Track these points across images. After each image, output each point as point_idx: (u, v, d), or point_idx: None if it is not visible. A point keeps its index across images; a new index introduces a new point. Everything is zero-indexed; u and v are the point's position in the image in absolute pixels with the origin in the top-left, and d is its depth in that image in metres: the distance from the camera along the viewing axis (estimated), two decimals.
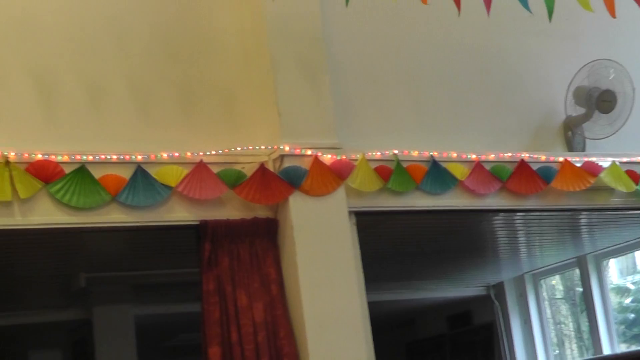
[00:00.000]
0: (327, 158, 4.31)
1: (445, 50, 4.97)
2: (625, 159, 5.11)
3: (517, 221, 5.75)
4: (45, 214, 3.86)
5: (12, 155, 3.78)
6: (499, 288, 8.03)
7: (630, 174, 5.06)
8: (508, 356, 7.88)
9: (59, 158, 3.88)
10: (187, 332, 7.26)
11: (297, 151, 4.27)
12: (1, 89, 3.98)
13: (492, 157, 4.79)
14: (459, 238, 6.02)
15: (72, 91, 4.12)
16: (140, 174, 4.02)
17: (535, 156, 4.89)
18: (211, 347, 3.97)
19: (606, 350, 7.10)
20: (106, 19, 4.26)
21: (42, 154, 3.85)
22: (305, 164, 4.26)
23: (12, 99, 4.00)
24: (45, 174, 3.84)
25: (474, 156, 4.73)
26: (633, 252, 7.30)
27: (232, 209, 4.19)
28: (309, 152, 4.29)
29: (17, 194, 3.76)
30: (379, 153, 4.51)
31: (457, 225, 5.65)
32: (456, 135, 4.84)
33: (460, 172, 4.67)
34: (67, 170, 3.88)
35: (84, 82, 4.15)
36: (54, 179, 3.85)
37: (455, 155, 4.70)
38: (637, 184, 5.06)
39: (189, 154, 4.13)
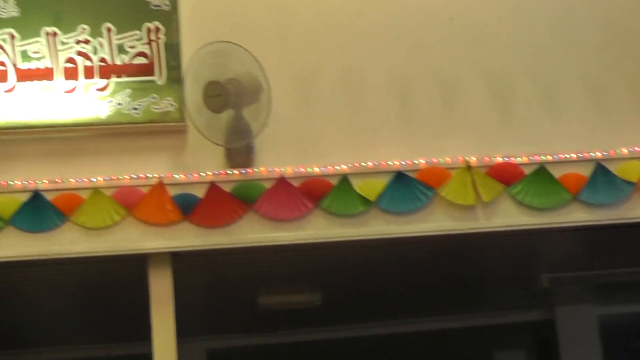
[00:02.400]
0: None
1: None
2: None
3: None
4: (508, 216, 4.18)
5: (473, 160, 4.18)
6: None
7: None
8: None
9: (518, 160, 4.19)
10: None
11: None
12: (459, 96, 4.41)
13: None
14: None
15: (526, 92, 4.39)
16: (600, 171, 4.17)
17: None
18: None
19: None
20: (555, 17, 4.46)
21: (502, 157, 4.19)
22: None
23: (469, 105, 4.40)
24: (505, 176, 4.17)
25: None
26: None
27: None
28: None
29: (481, 198, 4.18)
30: None
31: None
32: None
33: None
34: (527, 171, 4.17)
35: (537, 83, 4.41)
36: (514, 180, 4.17)
37: None
38: None
39: None
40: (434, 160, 4.16)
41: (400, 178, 4.12)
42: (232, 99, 3.98)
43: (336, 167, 4.12)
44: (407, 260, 4.90)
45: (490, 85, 4.42)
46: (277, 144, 4.18)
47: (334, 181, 4.10)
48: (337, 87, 4.35)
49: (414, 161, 4.16)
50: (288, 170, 4.08)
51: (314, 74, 4.33)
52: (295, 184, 4.08)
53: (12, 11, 4.15)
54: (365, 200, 4.09)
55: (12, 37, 4.12)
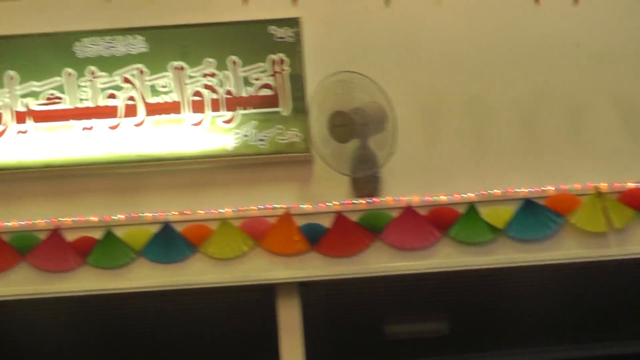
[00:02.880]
0: None
1: None
2: None
3: None
4: None
5: (603, 186, 4.18)
6: None
7: None
8: None
9: None
10: None
11: None
12: (587, 122, 4.46)
13: None
14: None
15: None
16: None
17: None
18: None
19: None
20: None
21: (634, 182, 4.19)
22: None
23: (598, 130, 4.44)
24: (637, 202, 4.18)
25: None
26: None
27: None
28: None
29: (612, 224, 4.16)
30: None
31: None
32: None
33: None
34: None
35: None
36: None
37: None
38: None
39: None
40: (563, 186, 4.20)
41: (528, 205, 4.17)
42: (358, 129, 4.14)
43: (463, 195, 4.20)
44: (537, 286, 4.93)
45: (619, 109, 4.46)
46: (403, 173, 4.31)
47: (461, 209, 4.18)
48: (462, 114, 4.46)
49: (542, 188, 4.20)
50: (414, 198, 4.18)
51: (440, 102, 4.46)
52: (422, 212, 4.17)
53: (141, 47, 4.44)
54: (493, 229, 4.15)
55: (141, 72, 4.41)
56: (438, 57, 4.55)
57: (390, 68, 4.47)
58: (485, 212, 4.18)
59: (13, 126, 4.42)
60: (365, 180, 4.26)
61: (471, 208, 4.17)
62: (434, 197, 4.21)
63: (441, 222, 4.18)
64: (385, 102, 4.15)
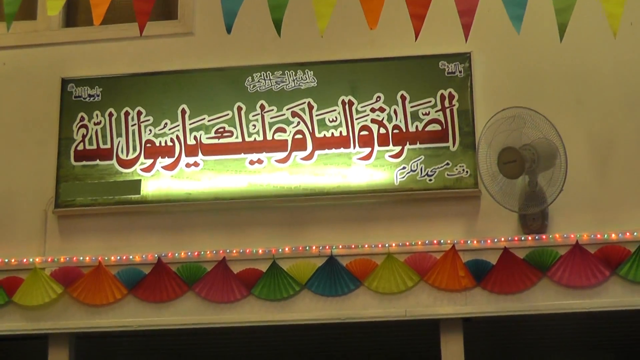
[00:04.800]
0: None
1: None
2: None
3: None
4: None
5: None
6: None
7: None
8: None
9: None
10: None
11: None
12: None
13: None
14: None
15: None
16: None
17: None
18: None
19: None
20: None
21: None
22: None
23: None
24: None
25: None
26: None
27: None
28: None
29: None
30: None
31: None
32: None
33: None
34: None
35: None
36: None
37: None
38: None
39: None
40: None
41: None
42: (528, 165, 4.51)
43: (635, 233, 4.55)
44: None
45: None
46: (571, 209, 4.69)
47: (632, 248, 4.53)
48: (635, 151, 4.82)
49: None
50: (584, 236, 4.58)
51: (612, 137, 4.82)
52: (591, 250, 4.56)
53: (310, 82, 5.02)
54: None
55: (310, 106, 5.00)
56: (611, 92, 4.90)
57: (561, 103, 4.86)
58: None
59: (184, 159, 5.08)
60: (533, 217, 4.64)
61: None
62: (604, 235, 4.58)
63: (611, 260, 4.55)
64: (556, 139, 4.50)
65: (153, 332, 5.03)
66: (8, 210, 5.25)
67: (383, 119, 4.98)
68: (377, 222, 4.95)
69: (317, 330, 5.03)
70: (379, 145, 4.96)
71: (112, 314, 4.94)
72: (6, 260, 5.07)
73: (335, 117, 5.03)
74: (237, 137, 5.11)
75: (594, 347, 5.46)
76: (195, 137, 5.13)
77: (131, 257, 4.99)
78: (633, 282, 4.57)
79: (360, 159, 4.98)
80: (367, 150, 4.97)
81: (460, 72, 4.95)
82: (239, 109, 5.12)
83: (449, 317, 4.75)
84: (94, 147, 5.21)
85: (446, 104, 4.94)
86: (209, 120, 5.16)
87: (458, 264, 4.70)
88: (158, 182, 5.12)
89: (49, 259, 5.07)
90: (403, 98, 4.98)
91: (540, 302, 4.64)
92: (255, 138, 5.10)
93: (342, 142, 5.01)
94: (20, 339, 5.25)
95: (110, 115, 5.23)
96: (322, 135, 5.04)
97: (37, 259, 5.04)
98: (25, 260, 5.06)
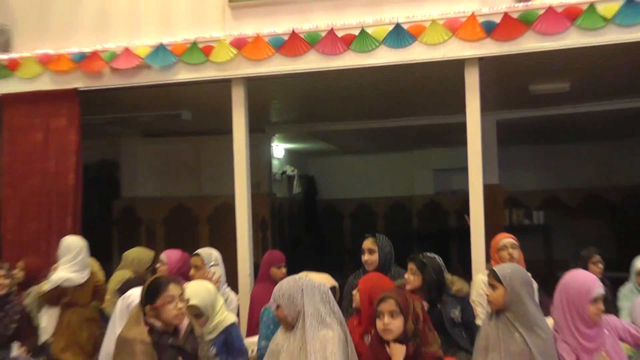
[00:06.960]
0: None
1: None
2: None
3: None
4: None
5: None
6: None
7: None
8: None
9: None
10: None
11: None
12: None
13: None
14: None
15: None
16: None
17: None
18: None
19: None
20: None
21: None
22: None
23: None
24: None
25: None
26: None
27: None
28: None
29: None
30: None
31: None
32: None
33: None
34: None
35: None
36: None
37: None
38: None
39: None
40: None
41: None
42: None
43: None
44: None
45: None
46: None
47: (584, 7, 6.77)
48: None
49: None
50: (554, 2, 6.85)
51: None
52: (559, 10, 6.80)
53: None
54: None
55: None
56: None
57: None
58: None
59: None
60: None
61: None
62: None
63: (571, 16, 6.80)
64: None
65: (292, 75, 7.71)
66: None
67: None
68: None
69: (389, 70, 7.61)
70: None
71: (266, 65, 7.59)
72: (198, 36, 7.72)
73: None
74: None
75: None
76: None
77: (276, 29, 7.54)
78: (587, 29, 6.83)
79: None
80: None
81: None
82: None
83: (470, 57, 7.18)
84: None
85: None
86: None
87: (476, 24, 7.07)
88: None
89: (228, 34, 7.76)
90: None
91: (526, 45, 6.99)
92: None
93: None
94: (213, 82, 8.03)
95: None
96: None
97: (221, 35, 7.77)
98: (213, 35, 7.81)
